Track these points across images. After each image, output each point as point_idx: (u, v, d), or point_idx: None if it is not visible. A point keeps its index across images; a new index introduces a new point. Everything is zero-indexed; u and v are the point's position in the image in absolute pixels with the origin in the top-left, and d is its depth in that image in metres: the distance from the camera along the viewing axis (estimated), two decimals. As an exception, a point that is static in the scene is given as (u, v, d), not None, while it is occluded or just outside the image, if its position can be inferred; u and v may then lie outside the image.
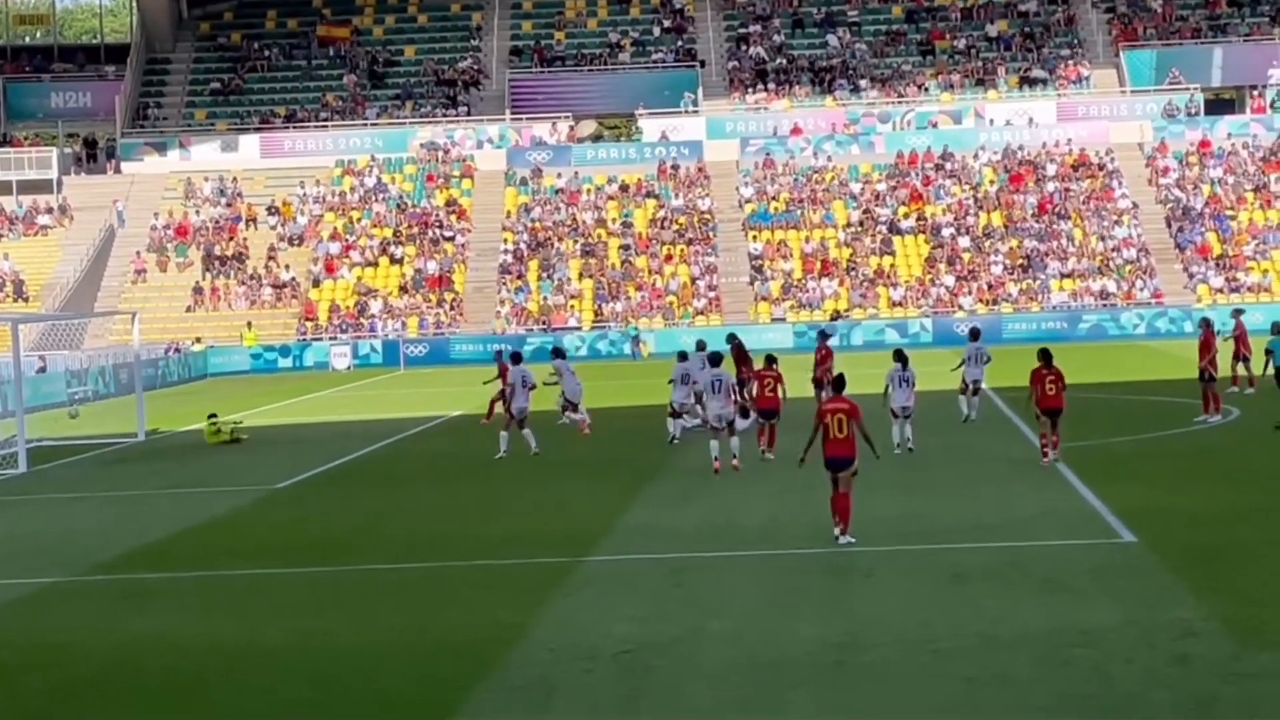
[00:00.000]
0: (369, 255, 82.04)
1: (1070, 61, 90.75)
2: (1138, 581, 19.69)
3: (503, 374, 42.18)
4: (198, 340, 74.99)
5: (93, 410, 54.82)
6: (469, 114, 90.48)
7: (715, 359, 31.79)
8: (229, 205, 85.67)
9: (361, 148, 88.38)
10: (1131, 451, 32.73)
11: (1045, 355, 30.25)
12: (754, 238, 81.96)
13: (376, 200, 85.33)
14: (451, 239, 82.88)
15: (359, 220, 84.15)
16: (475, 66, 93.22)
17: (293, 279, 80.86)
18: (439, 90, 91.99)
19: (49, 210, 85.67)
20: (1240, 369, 42.45)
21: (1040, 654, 16.31)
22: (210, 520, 28.45)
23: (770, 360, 33.98)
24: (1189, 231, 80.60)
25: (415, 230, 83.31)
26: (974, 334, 38.75)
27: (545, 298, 78.92)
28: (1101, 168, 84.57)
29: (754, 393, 33.82)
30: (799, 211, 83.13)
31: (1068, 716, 14.35)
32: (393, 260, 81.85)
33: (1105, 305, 76.99)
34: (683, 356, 37.07)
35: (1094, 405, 39.98)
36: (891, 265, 79.87)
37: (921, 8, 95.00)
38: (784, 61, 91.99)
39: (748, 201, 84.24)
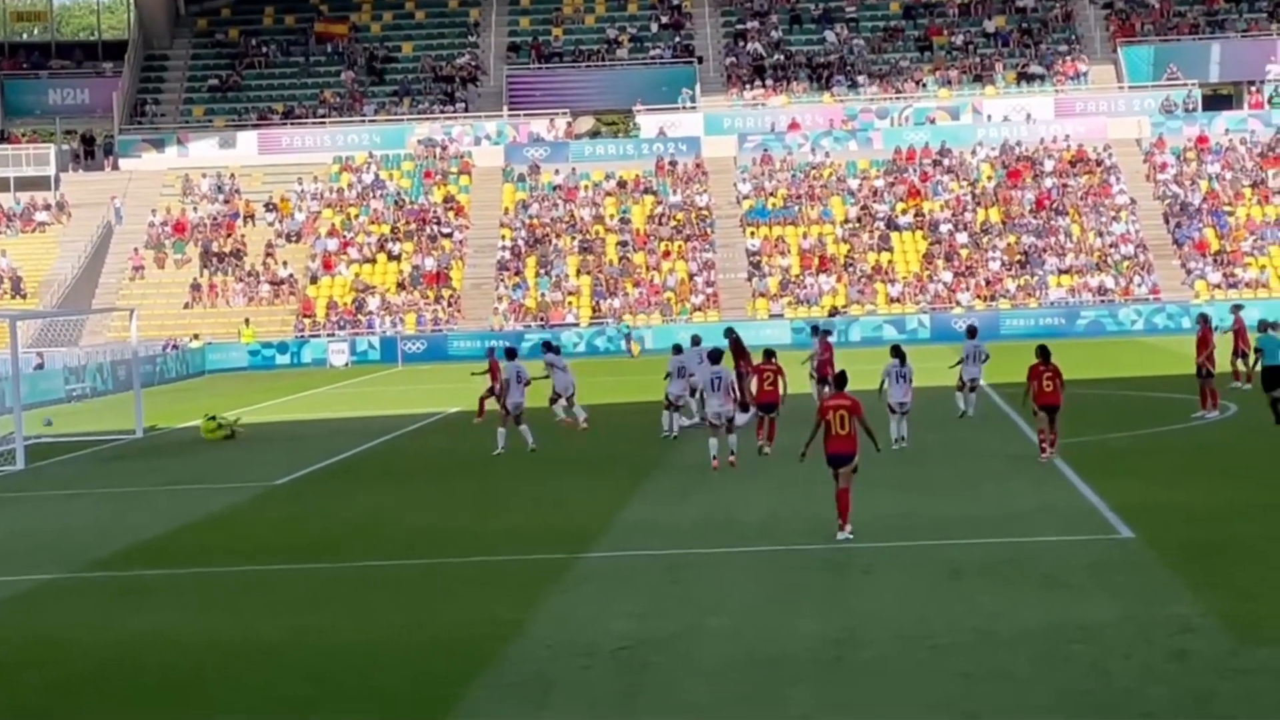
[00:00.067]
0: (367, 252, 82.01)
1: (1068, 57, 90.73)
2: (1135, 577, 19.69)
3: (493, 370, 42.37)
4: (195, 337, 74.96)
5: (90, 407, 54.85)
6: (467, 110, 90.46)
7: (715, 356, 31.75)
8: (227, 202, 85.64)
9: (359, 144, 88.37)
10: (1129, 447, 32.74)
11: (1043, 352, 30.30)
12: (752, 234, 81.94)
13: (374, 197, 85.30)
14: (449, 235, 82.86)
15: (357, 217, 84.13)
16: (473, 63, 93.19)
17: (290, 275, 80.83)
18: (437, 87, 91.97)
19: (47, 207, 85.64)
20: (1240, 365, 42.50)
21: (1038, 650, 16.31)
22: (208, 517, 28.44)
23: (769, 354, 34.01)
24: (1187, 227, 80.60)
25: (413, 227, 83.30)
26: (971, 332, 38.77)
27: (543, 294, 78.92)
28: (1099, 163, 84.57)
29: (753, 386, 33.85)
30: (797, 207, 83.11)
31: (1066, 712, 14.34)
32: (390, 257, 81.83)
33: (1103, 301, 76.99)
34: (677, 350, 37.14)
35: (1092, 401, 39.98)
36: (889, 261, 79.87)
37: (919, 4, 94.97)
38: (781, 57, 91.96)
39: (745, 198, 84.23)
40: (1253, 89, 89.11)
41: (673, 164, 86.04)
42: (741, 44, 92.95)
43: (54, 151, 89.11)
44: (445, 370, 66.49)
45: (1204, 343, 37.30)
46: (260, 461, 36.63)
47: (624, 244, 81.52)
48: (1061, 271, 78.67)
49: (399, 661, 16.98)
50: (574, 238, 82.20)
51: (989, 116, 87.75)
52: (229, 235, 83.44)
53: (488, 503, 28.64)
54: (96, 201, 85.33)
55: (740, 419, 32.62)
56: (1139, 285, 77.52)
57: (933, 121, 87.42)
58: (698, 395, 37.36)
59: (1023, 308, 76.59)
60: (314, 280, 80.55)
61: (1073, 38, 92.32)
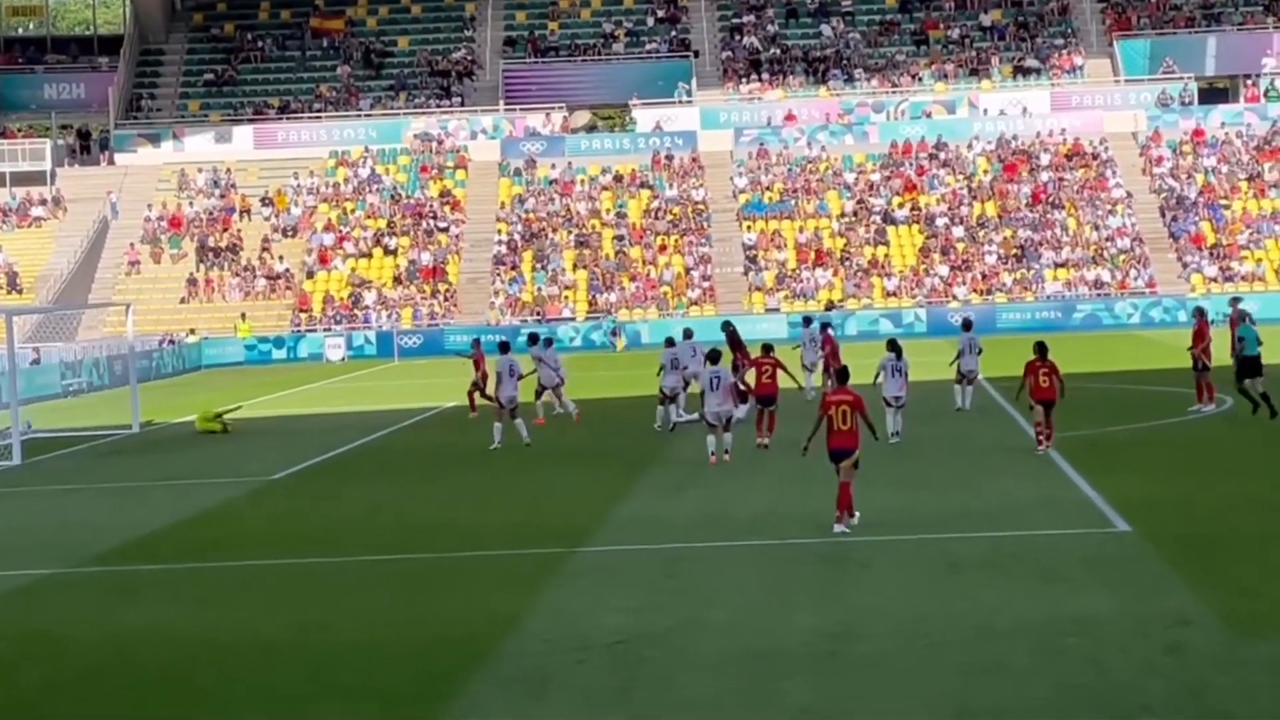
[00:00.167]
0: (363, 246, 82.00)
1: (1064, 51, 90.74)
2: (1132, 571, 19.70)
3: (478, 362, 42.61)
4: (192, 332, 74.93)
5: (87, 402, 54.84)
6: (463, 105, 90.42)
7: (714, 356, 31.82)
8: (223, 197, 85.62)
9: (355, 139, 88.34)
10: (1126, 441, 32.76)
11: (1041, 348, 30.55)
12: (748, 228, 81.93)
13: (370, 191, 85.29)
14: (445, 230, 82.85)
15: (353, 211, 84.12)
16: (469, 57, 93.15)
17: (286, 270, 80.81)
18: (433, 81, 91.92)
19: (43, 202, 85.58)
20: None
21: (1035, 644, 16.32)
22: (204, 512, 28.44)
23: (767, 349, 34.09)
24: (1183, 221, 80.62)
25: (409, 221, 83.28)
26: (966, 324, 39.03)
27: (539, 288, 78.93)
28: (1095, 157, 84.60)
29: (750, 379, 33.94)
30: (793, 201, 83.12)
31: (1063, 706, 14.35)
32: (387, 251, 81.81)
33: (1099, 295, 77.02)
34: (670, 343, 37.21)
35: (1088, 395, 39.97)
36: (885, 255, 79.89)
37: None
38: (778, 51, 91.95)
39: (742, 192, 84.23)
40: (1249, 82, 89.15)
41: (669, 158, 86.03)
42: (737, 38, 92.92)
43: (49, 146, 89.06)
44: (442, 365, 66.44)
45: (1200, 336, 37.33)
46: (257, 456, 36.61)
47: (620, 238, 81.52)
48: (1058, 265, 78.72)
49: (397, 656, 16.98)
50: (570, 232, 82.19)
51: (985, 110, 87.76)
52: (225, 230, 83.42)
53: (484, 497, 28.66)
54: (92, 196, 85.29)
55: (740, 411, 32.70)
56: (1135, 279, 77.56)
57: (929, 115, 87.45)
58: (688, 389, 37.56)
59: (1019, 301, 76.63)
60: (310, 275, 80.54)
61: (1069, 31, 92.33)
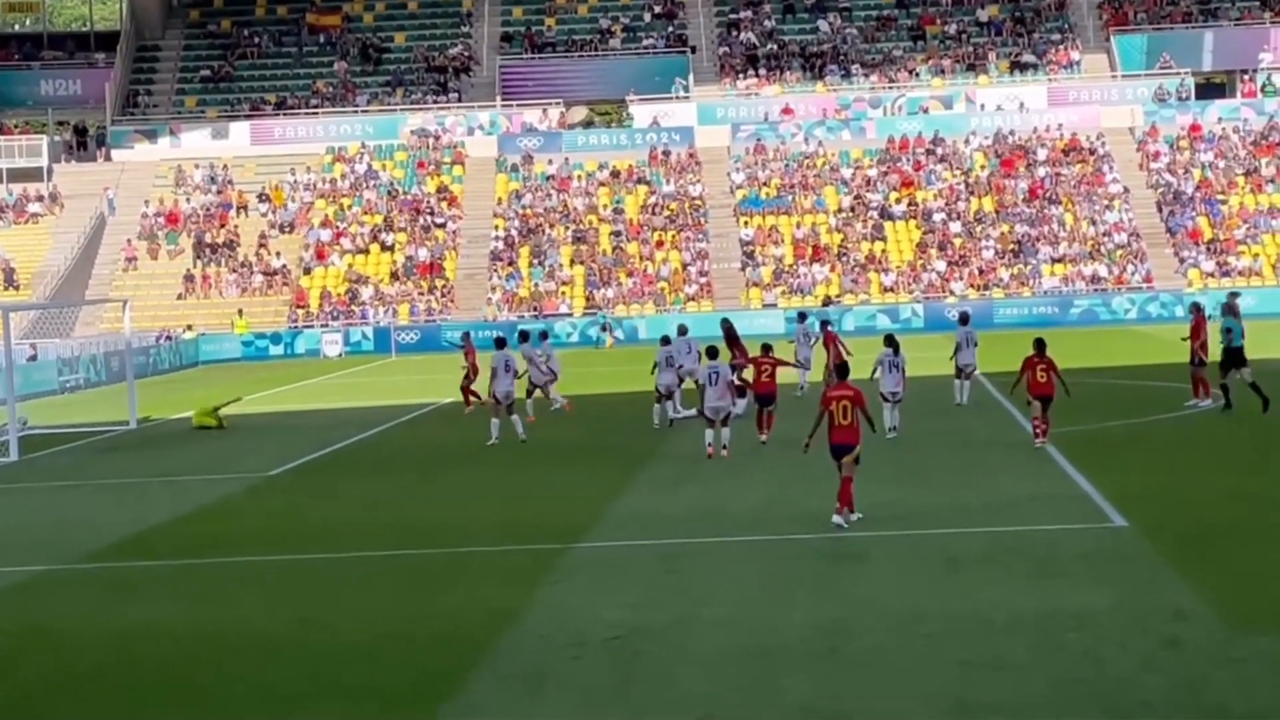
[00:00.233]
0: (360, 242, 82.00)
1: (1061, 46, 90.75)
2: (1129, 566, 19.71)
3: (468, 355, 42.80)
4: (189, 328, 74.93)
5: (84, 398, 54.82)
6: (460, 100, 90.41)
7: (712, 352, 31.90)
8: (220, 192, 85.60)
9: (352, 134, 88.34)
10: (1123, 436, 32.76)
11: (1039, 344, 30.72)
12: (745, 223, 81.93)
13: (367, 187, 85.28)
14: (442, 226, 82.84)
15: (350, 207, 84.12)
16: (466, 53, 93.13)
17: (284, 266, 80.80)
18: (429, 77, 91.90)
19: (39, 198, 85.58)
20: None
21: (1033, 638, 16.33)
22: (202, 508, 28.42)
23: (766, 349, 34.17)
24: (1180, 216, 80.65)
25: (406, 217, 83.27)
26: (963, 318, 39.04)
27: (536, 284, 78.91)
28: (1092, 152, 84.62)
29: (749, 376, 34.00)
30: (790, 197, 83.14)
31: (1061, 701, 14.35)
32: (384, 247, 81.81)
33: (1096, 290, 77.05)
34: (665, 341, 37.24)
35: (1086, 390, 39.93)
36: (883, 250, 79.89)
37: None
38: (775, 47, 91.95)
39: (739, 187, 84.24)
40: (1245, 77, 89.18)
41: (666, 154, 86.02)
42: (735, 33, 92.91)
43: (46, 142, 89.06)
44: (439, 361, 66.40)
45: (1197, 332, 37.36)
46: (254, 452, 36.61)
47: (617, 234, 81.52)
48: (1055, 260, 78.73)
49: (395, 652, 16.98)
50: (567, 228, 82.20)
51: (982, 105, 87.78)
52: (222, 226, 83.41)
53: (482, 493, 28.65)
54: (89, 192, 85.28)
55: (738, 408, 32.77)
56: (1132, 274, 77.58)
57: (926, 111, 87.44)
58: (682, 386, 37.64)
59: (1016, 297, 76.65)
60: (307, 271, 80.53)
61: (1066, 26, 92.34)
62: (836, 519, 22.75)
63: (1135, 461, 28.81)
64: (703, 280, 78.77)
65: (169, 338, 72.02)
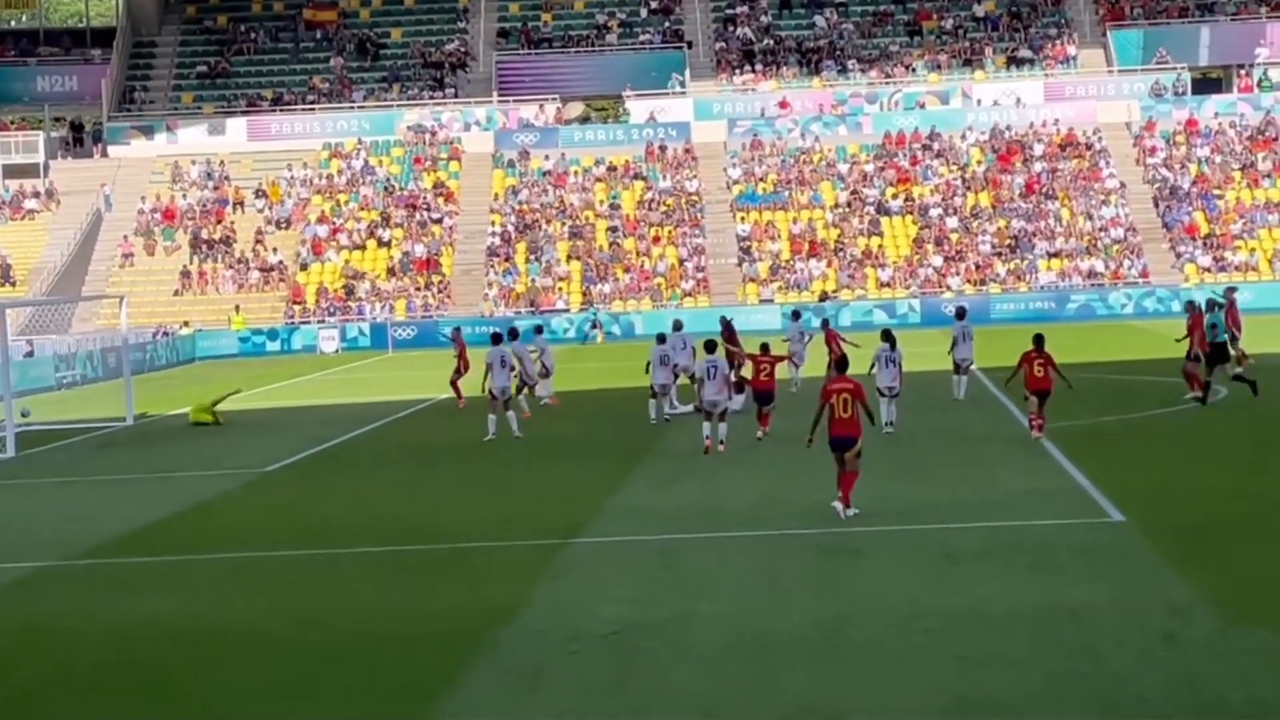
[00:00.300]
0: (356, 238, 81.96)
1: (1057, 41, 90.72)
2: (1127, 561, 19.73)
3: (460, 352, 42.90)
4: (185, 324, 74.92)
5: (81, 394, 54.81)
6: (456, 96, 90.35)
7: (710, 346, 31.95)
8: (216, 189, 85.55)
9: (348, 130, 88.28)
10: (1120, 431, 32.79)
11: (1038, 340, 31.01)
12: (742, 219, 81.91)
13: (364, 183, 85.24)
14: (439, 221, 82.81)
15: (346, 203, 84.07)
16: (462, 48, 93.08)
17: (280, 262, 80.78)
18: (426, 72, 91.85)
19: (36, 194, 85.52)
20: (1238, 349, 42.54)
21: (1031, 634, 16.34)
22: (199, 504, 28.42)
23: (764, 348, 34.24)
24: (1176, 211, 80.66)
25: (403, 213, 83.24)
26: (960, 313, 39.15)
27: (533, 280, 78.89)
28: (1089, 147, 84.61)
29: (747, 372, 34.08)
30: (786, 192, 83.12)
31: (1058, 696, 14.37)
32: (380, 243, 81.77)
33: (1093, 285, 77.04)
34: (661, 339, 37.25)
35: (1083, 385, 39.91)
36: (879, 246, 79.89)
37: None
38: (771, 42, 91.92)
39: (735, 183, 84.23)
40: (1242, 72, 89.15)
41: (662, 149, 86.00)
42: (731, 29, 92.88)
43: (43, 139, 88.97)
44: (435, 356, 66.38)
45: (1194, 328, 37.43)
46: (251, 448, 36.61)
47: (614, 229, 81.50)
48: (1051, 255, 78.73)
49: (392, 648, 16.98)
50: (564, 223, 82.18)
51: (978, 101, 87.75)
52: (218, 222, 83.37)
53: (479, 488, 28.66)
54: (86, 189, 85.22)
55: (735, 403, 32.81)
56: (1129, 269, 77.60)
57: (922, 106, 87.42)
58: (677, 381, 37.69)
59: (1013, 292, 76.64)
60: (304, 267, 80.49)
61: (1062, 21, 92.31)
62: (837, 505, 22.83)
63: (1132, 456, 28.85)
64: (699, 276, 78.76)
65: (166, 334, 72.00)
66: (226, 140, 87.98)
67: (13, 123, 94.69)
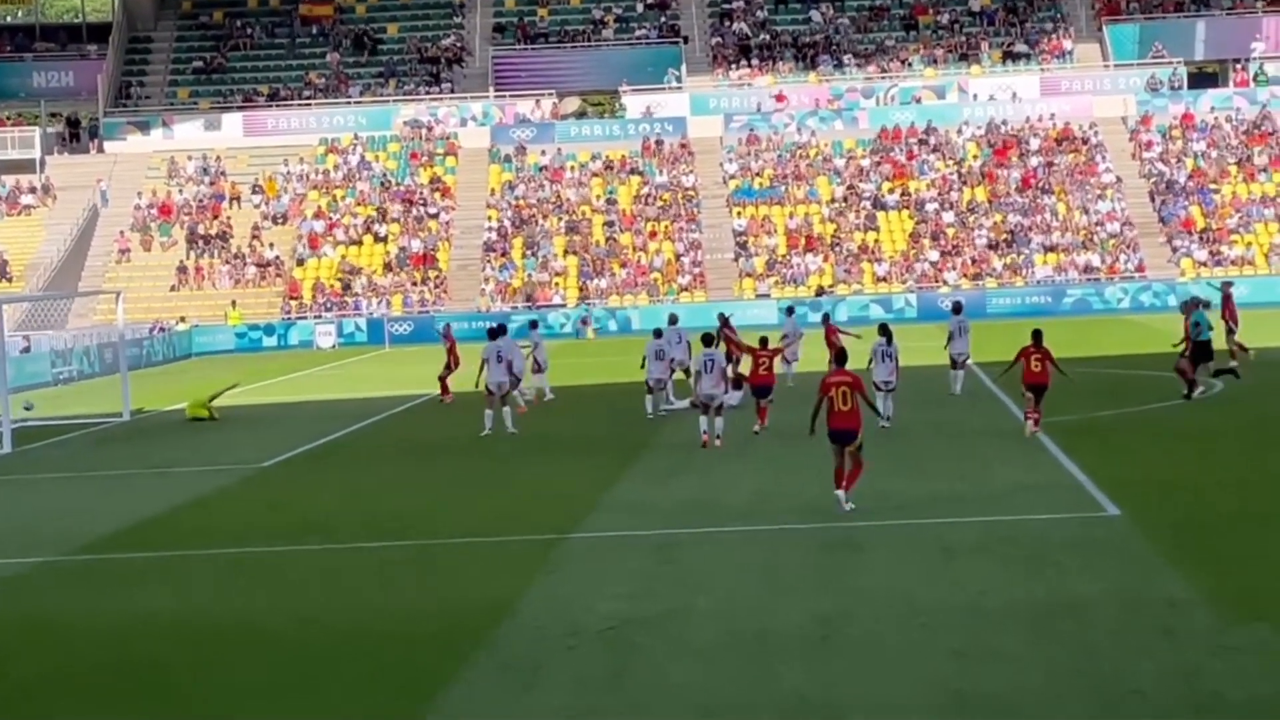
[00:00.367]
0: (353, 233, 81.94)
1: (1053, 36, 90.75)
2: (1123, 555, 19.75)
3: (450, 347, 42.94)
4: (182, 319, 74.88)
5: (77, 390, 54.80)
6: (452, 91, 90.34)
7: (708, 340, 31.99)
8: (212, 184, 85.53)
9: (345, 126, 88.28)
10: (1116, 425, 32.82)
11: (1036, 335, 31.21)
12: (738, 214, 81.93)
13: (360, 178, 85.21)
14: (435, 217, 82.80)
15: (343, 198, 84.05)
16: (458, 44, 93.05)
17: (277, 257, 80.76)
18: (422, 68, 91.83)
19: (32, 190, 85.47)
20: (1235, 342, 42.63)
21: (1028, 628, 16.36)
22: (197, 500, 28.42)
23: (763, 342, 34.26)
24: (1172, 205, 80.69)
25: (399, 208, 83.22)
26: (956, 308, 39.24)
27: (530, 275, 78.88)
28: (1085, 142, 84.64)
29: (745, 368, 34.15)
30: (783, 187, 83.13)
31: (1056, 690, 14.38)
32: (377, 238, 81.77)
33: (1089, 279, 77.07)
34: (658, 334, 37.27)
35: (1079, 379, 40.00)
36: (876, 240, 79.91)
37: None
38: (767, 37, 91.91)
39: (732, 178, 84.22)
40: (1238, 67, 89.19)
41: (659, 144, 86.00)
42: (727, 24, 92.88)
43: (39, 134, 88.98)
44: (432, 352, 66.31)
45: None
46: (248, 444, 36.60)
47: (610, 224, 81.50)
48: (1047, 250, 78.77)
49: (389, 643, 16.99)
50: (560, 219, 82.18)
51: (975, 95, 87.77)
52: (215, 217, 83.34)
53: (476, 483, 28.66)
54: (82, 184, 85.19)
55: (731, 398, 32.85)
56: (1125, 263, 77.62)
57: (918, 101, 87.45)
58: (673, 376, 37.74)
59: (1009, 286, 76.66)
60: (300, 262, 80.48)
61: (1058, 16, 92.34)
62: (839, 493, 22.88)
63: (1128, 451, 28.87)
64: (696, 271, 78.77)
65: (162, 329, 71.96)
66: (223, 135, 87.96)
67: (9, 118, 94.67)
